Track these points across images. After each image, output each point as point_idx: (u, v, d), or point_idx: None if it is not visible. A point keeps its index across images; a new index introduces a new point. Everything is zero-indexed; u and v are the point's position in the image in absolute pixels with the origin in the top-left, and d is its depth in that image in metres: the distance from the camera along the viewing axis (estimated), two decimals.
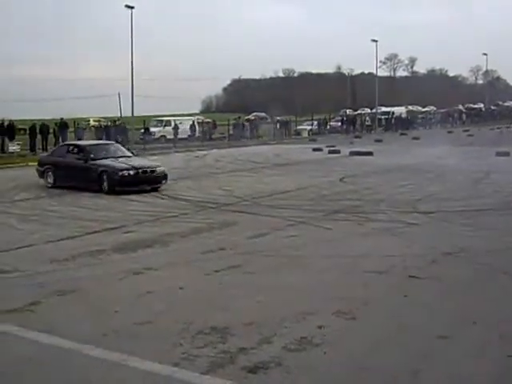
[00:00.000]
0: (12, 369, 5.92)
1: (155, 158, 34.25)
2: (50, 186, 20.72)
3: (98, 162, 20.21)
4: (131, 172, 19.53)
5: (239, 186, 20.11)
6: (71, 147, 22.10)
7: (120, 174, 19.41)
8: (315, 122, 62.69)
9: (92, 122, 61.34)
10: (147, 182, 19.71)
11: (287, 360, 5.90)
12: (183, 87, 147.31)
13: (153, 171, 20.06)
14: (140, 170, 19.74)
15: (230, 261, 9.91)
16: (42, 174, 21.52)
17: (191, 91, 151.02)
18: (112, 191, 19.04)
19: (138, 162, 21.12)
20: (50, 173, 21.05)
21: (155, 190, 19.49)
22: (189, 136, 48.82)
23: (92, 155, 20.64)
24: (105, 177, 19.52)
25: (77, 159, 20.79)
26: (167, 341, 6.43)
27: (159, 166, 20.70)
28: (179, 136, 46.87)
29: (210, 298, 8.01)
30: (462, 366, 5.79)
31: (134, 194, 18.65)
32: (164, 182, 20.12)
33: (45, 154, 25.92)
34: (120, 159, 20.73)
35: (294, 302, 7.71)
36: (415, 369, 5.72)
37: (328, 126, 63.26)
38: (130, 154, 22.61)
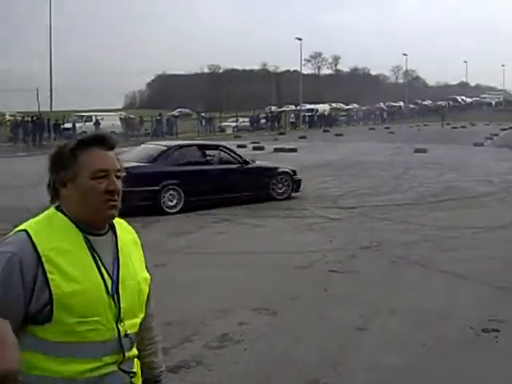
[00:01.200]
0: None
1: None
2: (174, 211, 14.40)
3: (258, 164, 16.95)
4: None
5: None
6: (198, 150, 16.07)
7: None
8: (241, 119, 62.98)
9: (8, 117, 59.59)
10: None
11: (208, 358, 5.91)
12: (106, 82, 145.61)
13: None
14: None
15: (153, 259, 9.76)
16: (153, 196, 14.25)
17: (114, 86, 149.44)
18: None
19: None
20: (173, 191, 14.57)
21: None
22: (111, 132, 48.03)
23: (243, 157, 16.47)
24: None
25: (230, 163, 15.95)
26: None
27: None
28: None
29: None
30: (380, 356, 5.92)
31: None
32: None
33: (131, 164, 13.63)
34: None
35: (216, 300, 7.72)
36: (335, 361, 5.82)
37: (255, 123, 63.59)
38: None
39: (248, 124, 63.21)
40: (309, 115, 71.65)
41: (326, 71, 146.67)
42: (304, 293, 8.02)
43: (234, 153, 16.32)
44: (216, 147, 16.52)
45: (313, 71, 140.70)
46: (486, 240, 11.09)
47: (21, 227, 2.21)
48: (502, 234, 11.61)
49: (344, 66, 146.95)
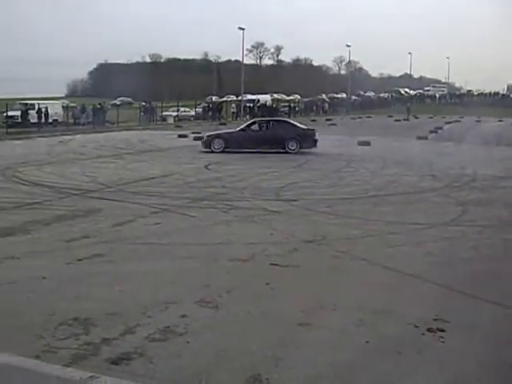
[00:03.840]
0: None
1: (18, 142, 33.18)
2: None
3: None
4: None
5: (104, 173, 19.78)
6: None
7: None
8: (183, 109, 62.57)
9: None
10: None
11: (150, 350, 5.90)
12: (48, 70, 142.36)
13: None
14: None
15: (93, 249, 9.76)
16: None
17: (56, 75, 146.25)
18: None
19: None
20: None
21: None
22: (54, 120, 47.40)
23: None
24: None
25: None
26: (29, 333, 6.27)
27: None
28: (43, 120, 45.43)
29: (72, 287, 7.86)
30: (322, 353, 5.95)
31: None
32: None
33: None
34: None
35: (157, 291, 7.72)
36: (277, 356, 5.83)
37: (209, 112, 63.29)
38: None
39: (189, 114, 62.99)
40: (250, 106, 71.63)
41: (267, 61, 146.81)
42: (245, 286, 8.06)
43: None
44: None
45: (254, 61, 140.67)
46: (430, 236, 11.21)
47: None
48: (446, 231, 11.73)
49: (286, 57, 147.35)
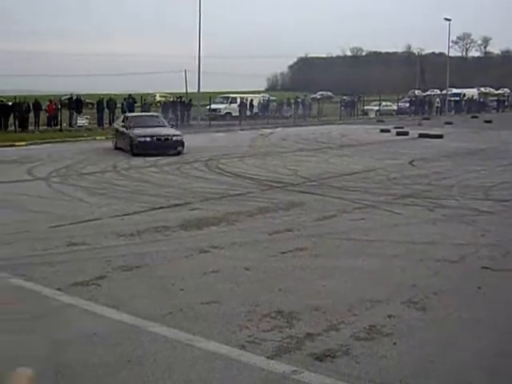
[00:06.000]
0: (76, 342, 5.91)
1: (220, 135, 34.40)
2: None
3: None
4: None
5: (305, 166, 19.95)
6: None
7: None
8: (384, 103, 61.91)
9: (158, 98, 61.91)
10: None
11: (355, 349, 5.72)
12: (249, 65, 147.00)
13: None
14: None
15: (296, 243, 9.76)
16: None
17: (257, 69, 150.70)
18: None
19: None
20: None
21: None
22: (255, 114, 48.78)
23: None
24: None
25: None
26: (233, 322, 6.34)
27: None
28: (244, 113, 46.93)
29: (276, 280, 7.87)
30: None
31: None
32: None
33: None
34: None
35: (362, 289, 7.52)
36: (491, 368, 5.43)
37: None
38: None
39: (391, 108, 62.22)
40: (455, 100, 69.37)
41: (474, 53, 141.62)
42: (455, 289, 7.64)
43: None
44: None
45: (460, 54, 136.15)
46: None
47: None
48: None
49: (494, 48, 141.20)
